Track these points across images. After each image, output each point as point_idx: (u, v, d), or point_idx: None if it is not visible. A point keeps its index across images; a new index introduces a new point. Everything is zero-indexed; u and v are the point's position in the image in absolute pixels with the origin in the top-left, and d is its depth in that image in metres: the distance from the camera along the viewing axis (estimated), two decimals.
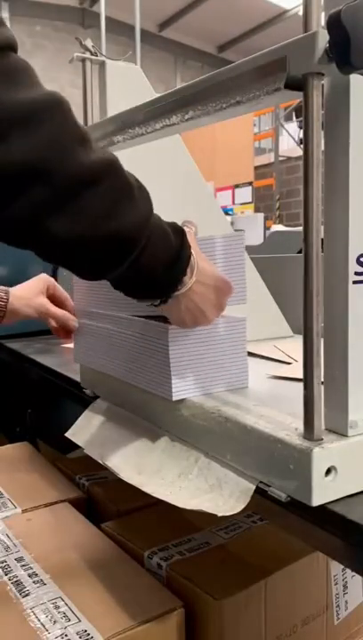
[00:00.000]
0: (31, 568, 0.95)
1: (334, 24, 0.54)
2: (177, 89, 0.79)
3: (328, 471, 0.61)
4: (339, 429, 0.64)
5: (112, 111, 1.19)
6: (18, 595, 0.88)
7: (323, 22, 0.57)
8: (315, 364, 0.61)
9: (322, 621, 1.03)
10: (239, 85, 0.67)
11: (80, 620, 0.82)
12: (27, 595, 0.88)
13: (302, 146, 0.62)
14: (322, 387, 0.63)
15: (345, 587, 1.07)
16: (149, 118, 0.85)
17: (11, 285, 1.13)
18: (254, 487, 0.68)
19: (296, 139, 8.18)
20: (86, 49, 1.19)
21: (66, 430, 1.04)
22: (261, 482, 0.67)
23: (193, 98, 0.74)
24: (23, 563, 0.96)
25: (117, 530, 1.09)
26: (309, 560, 0.98)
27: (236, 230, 2.87)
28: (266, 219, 6.71)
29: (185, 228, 0.69)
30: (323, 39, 0.56)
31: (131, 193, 0.60)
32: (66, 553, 1.00)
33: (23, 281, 1.15)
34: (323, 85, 0.59)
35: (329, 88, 0.60)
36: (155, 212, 0.64)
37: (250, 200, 8.04)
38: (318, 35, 0.56)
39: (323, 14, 0.57)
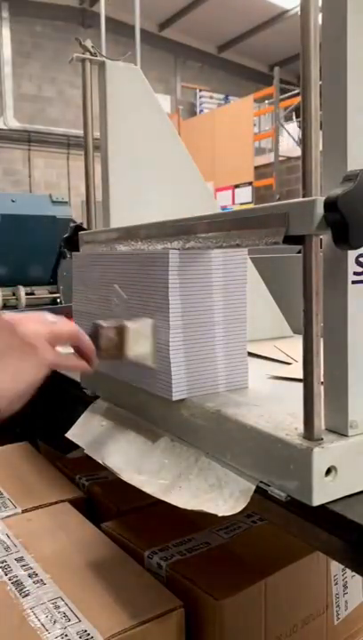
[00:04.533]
0: (31, 568, 0.95)
1: (332, 209, 0.56)
2: (181, 219, 0.81)
3: (328, 471, 0.61)
4: (339, 429, 0.64)
5: (112, 111, 1.19)
6: (18, 595, 0.88)
7: None
8: (315, 363, 0.61)
9: (322, 621, 1.03)
10: (240, 232, 0.69)
11: (80, 620, 0.82)
12: (27, 595, 0.88)
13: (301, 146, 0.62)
14: (322, 387, 0.63)
15: (345, 587, 1.07)
16: (150, 237, 0.87)
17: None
18: (254, 487, 0.68)
19: (296, 139, 8.18)
20: (86, 49, 1.19)
21: (66, 430, 1.04)
22: (261, 482, 0.67)
23: (195, 230, 0.77)
24: (23, 563, 0.96)
25: (117, 530, 1.09)
26: (309, 560, 0.98)
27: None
28: None
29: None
30: (322, 207, 0.57)
31: None
32: (66, 553, 1.00)
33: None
34: (321, 240, 0.61)
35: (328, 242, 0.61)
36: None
37: (250, 200, 8.04)
38: (316, 203, 0.58)
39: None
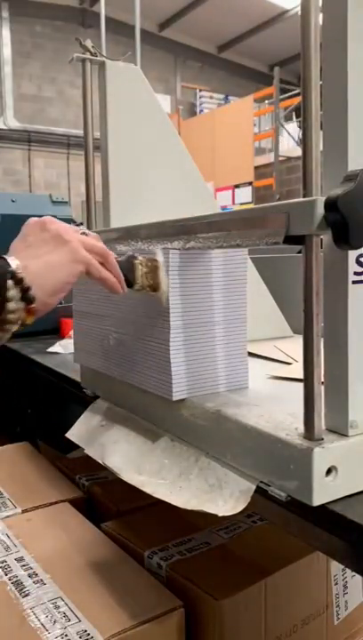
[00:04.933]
0: (31, 568, 0.95)
1: (332, 209, 0.56)
2: (181, 219, 0.80)
3: (329, 471, 0.61)
4: (339, 429, 0.64)
5: (112, 111, 1.19)
6: (18, 595, 0.88)
7: None
8: (315, 363, 0.61)
9: (322, 621, 1.03)
10: (241, 232, 0.69)
11: (80, 620, 0.82)
12: (27, 595, 0.88)
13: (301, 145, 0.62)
14: (322, 387, 0.63)
15: (345, 587, 1.07)
16: (150, 237, 0.87)
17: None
18: (254, 487, 0.68)
19: (296, 139, 8.18)
20: (86, 49, 1.19)
21: (66, 430, 1.04)
22: (261, 482, 0.67)
23: (195, 230, 0.77)
24: (23, 563, 0.96)
25: (117, 530, 1.09)
26: (309, 560, 0.98)
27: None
28: None
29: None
30: (322, 207, 0.57)
31: None
32: (66, 553, 1.00)
33: None
34: (322, 240, 0.61)
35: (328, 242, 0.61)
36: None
37: (250, 200, 8.04)
38: (316, 203, 0.58)
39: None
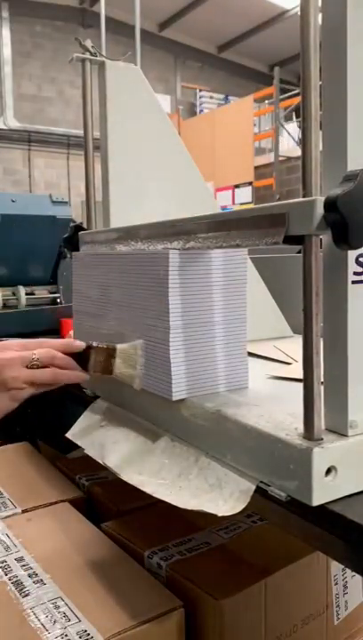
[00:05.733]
0: (31, 568, 0.95)
1: (332, 209, 0.56)
2: (181, 219, 0.81)
3: (328, 471, 0.61)
4: (339, 429, 0.64)
5: (112, 111, 1.19)
6: (18, 595, 0.88)
7: None
8: (315, 363, 0.61)
9: (322, 621, 1.03)
10: (240, 232, 0.69)
11: (80, 620, 0.82)
12: (27, 595, 0.88)
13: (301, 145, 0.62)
14: (322, 387, 0.63)
15: (345, 587, 1.07)
16: (150, 237, 0.87)
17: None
18: (254, 487, 0.68)
19: (296, 139, 8.18)
20: (86, 49, 1.19)
21: (66, 430, 1.04)
22: (261, 482, 0.67)
23: (195, 230, 0.77)
24: (23, 563, 0.96)
25: (117, 530, 1.09)
26: (309, 560, 0.98)
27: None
28: None
29: None
30: (322, 207, 0.57)
31: None
32: (66, 553, 1.00)
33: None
34: (321, 240, 0.61)
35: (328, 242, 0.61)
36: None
37: (250, 200, 8.05)
38: (316, 203, 0.58)
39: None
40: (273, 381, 0.93)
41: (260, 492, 0.67)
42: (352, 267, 0.61)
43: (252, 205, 7.76)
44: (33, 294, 2.24)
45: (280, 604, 0.94)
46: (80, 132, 1.23)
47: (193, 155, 1.31)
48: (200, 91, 10.68)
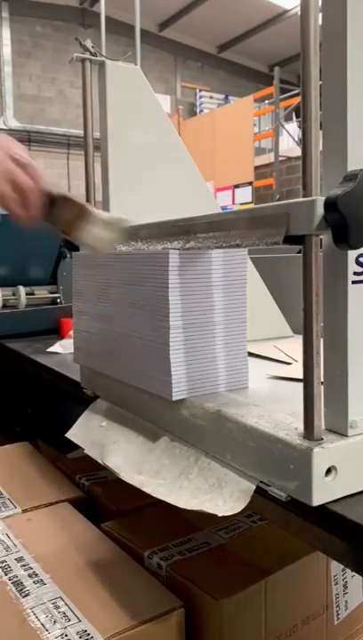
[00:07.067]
0: (31, 568, 0.95)
1: (332, 209, 0.56)
2: (181, 219, 0.81)
3: (328, 471, 0.61)
4: (339, 429, 0.64)
5: (112, 111, 1.19)
6: (18, 595, 0.88)
7: None
8: (315, 363, 0.61)
9: (322, 621, 1.03)
10: (240, 232, 0.69)
11: (80, 620, 0.82)
12: (27, 595, 0.88)
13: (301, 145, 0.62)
14: (322, 387, 0.63)
15: (345, 587, 1.07)
16: (150, 237, 0.88)
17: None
18: (254, 487, 0.68)
19: (296, 139, 8.18)
20: (86, 49, 1.19)
21: (66, 430, 1.04)
22: (261, 482, 0.67)
23: (195, 230, 0.77)
24: (23, 563, 0.96)
25: (117, 530, 1.09)
26: (309, 560, 0.98)
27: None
28: None
29: None
30: (322, 207, 0.58)
31: None
32: (66, 553, 1.00)
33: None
34: (322, 240, 0.61)
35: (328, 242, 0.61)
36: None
37: (250, 200, 8.04)
38: (316, 203, 0.58)
39: None
40: (273, 381, 0.93)
41: (260, 492, 0.67)
42: (352, 267, 0.61)
43: (252, 205, 7.76)
44: (33, 294, 2.24)
45: (280, 604, 0.94)
46: (80, 132, 1.23)
47: (193, 155, 1.31)
48: (200, 91, 10.68)
